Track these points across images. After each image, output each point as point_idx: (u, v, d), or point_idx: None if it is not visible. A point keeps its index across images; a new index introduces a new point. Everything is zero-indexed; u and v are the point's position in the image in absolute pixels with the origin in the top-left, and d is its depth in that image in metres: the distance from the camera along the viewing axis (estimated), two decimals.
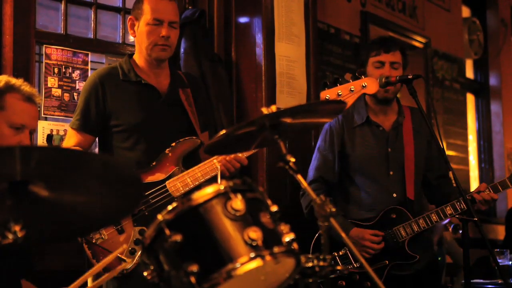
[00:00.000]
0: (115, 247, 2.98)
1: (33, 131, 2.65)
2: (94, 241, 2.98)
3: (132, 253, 2.98)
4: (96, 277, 3.22)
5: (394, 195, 3.64)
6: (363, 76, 3.22)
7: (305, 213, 3.68)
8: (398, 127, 3.72)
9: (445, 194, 3.74)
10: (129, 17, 3.27)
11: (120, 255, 2.96)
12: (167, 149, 3.12)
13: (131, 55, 3.30)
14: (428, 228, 3.57)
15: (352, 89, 3.16)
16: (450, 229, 5.18)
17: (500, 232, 7.03)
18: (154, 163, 3.10)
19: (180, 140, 3.14)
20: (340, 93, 3.15)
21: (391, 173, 3.66)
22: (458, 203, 3.52)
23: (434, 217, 3.54)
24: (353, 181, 3.69)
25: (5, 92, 2.55)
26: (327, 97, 3.15)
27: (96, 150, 3.41)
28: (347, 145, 3.70)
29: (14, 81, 2.60)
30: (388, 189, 3.64)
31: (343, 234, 2.06)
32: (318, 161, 3.73)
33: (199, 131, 3.24)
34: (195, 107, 3.29)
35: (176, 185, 3.08)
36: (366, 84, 3.18)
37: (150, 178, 3.07)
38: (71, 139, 3.20)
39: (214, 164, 3.07)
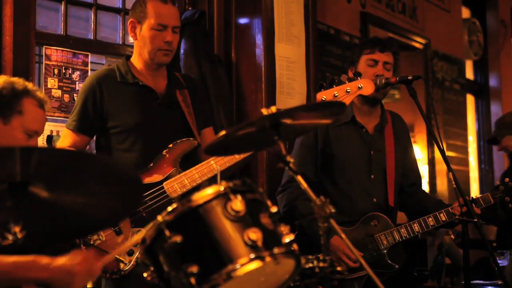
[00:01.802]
0: (112, 248, 2.98)
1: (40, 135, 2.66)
2: (92, 242, 2.98)
3: (130, 254, 2.98)
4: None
5: (375, 200, 3.56)
6: (359, 78, 3.18)
7: (283, 212, 3.55)
8: (381, 131, 3.66)
9: (419, 202, 3.71)
10: (130, 19, 3.24)
11: (118, 256, 2.96)
12: (164, 150, 3.12)
13: (128, 57, 3.30)
14: (409, 238, 3.52)
15: (348, 90, 3.12)
16: (452, 235, 5.16)
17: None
18: (151, 164, 3.10)
19: (177, 141, 3.14)
20: (336, 95, 3.12)
21: (372, 176, 3.59)
22: (441, 215, 3.48)
23: (416, 227, 3.48)
24: (333, 181, 3.58)
25: (22, 95, 2.53)
26: (323, 99, 3.13)
27: (94, 151, 3.41)
28: (330, 143, 3.60)
29: (30, 85, 2.59)
30: (369, 193, 3.57)
31: (343, 235, 2.06)
32: (299, 158, 3.57)
33: (196, 132, 3.24)
34: (193, 108, 3.29)
35: (174, 186, 3.07)
36: (362, 85, 3.14)
37: (148, 179, 3.07)
38: (66, 139, 3.20)
39: (212, 165, 3.07)
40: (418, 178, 3.86)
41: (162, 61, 3.22)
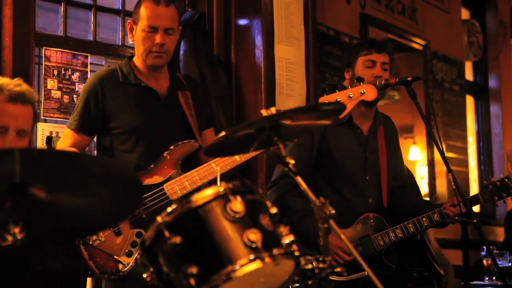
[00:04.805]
0: (112, 249, 2.97)
1: (23, 132, 2.57)
2: (91, 242, 2.97)
3: (129, 255, 2.98)
4: (95, 278, 3.23)
5: (370, 201, 3.58)
6: (361, 83, 3.18)
7: None
8: (374, 132, 3.67)
9: (407, 202, 3.73)
10: (129, 20, 3.26)
11: (117, 257, 2.96)
12: (165, 152, 3.12)
13: (130, 57, 3.29)
14: (404, 239, 3.53)
15: (350, 95, 3.11)
16: None
17: (499, 234, 7.03)
18: (152, 166, 3.10)
19: (179, 143, 3.14)
20: (338, 100, 3.12)
21: (367, 177, 3.60)
22: (434, 215, 3.50)
23: (411, 228, 3.50)
24: (328, 181, 3.58)
25: None
26: None
27: (95, 152, 3.41)
28: (327, 143, 3.58)
29: (2, 81, 2.56)
30: (364, 194, 3.58)
31: (342, 236, 2.06)
32: (296, 157, 3.36)
33: (197, 133, 3.24)
34: (194, 110, 3.29)
35: (174, 188, 3.07)
36: (364, 91, 3.14)
37: (148, 181, 3.06)
38: (67, 139, 3.19)
39: (212, 167, 3.07)
40: (406, 179, 3.89)
41: (155, 63, 3.20)
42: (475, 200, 3.58)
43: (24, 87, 2.59)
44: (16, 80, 2.60)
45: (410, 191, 3.91)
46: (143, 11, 3.17)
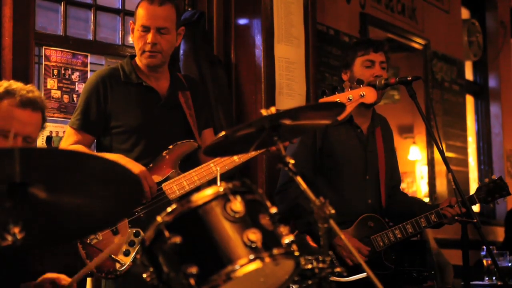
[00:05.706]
0: (109, 248, 2.97)
1: (30, 138, 2.55)
2: (88, 241, 2.97)
3: (126, 254, 2.98)
4: (95, 278, 3.23)
5: (369, 201, 3.59)
6: (361, 85, 3.17)
7: (285, 210, 3.50)
8: (373, 132, 3.69)
9: (403, 203, 3.74)
10: (130, 21, 3.27)
11: (113, 256, 2.95)
12: (164, 152, 3.11)
13: (132, 57, 3.29)
14: (403, 239, 3.53)
15: (350, 98, 3.11)
16: None
17: (499, 234, 7.03)
18: (151, 165, 3.10)
19: (178, 142, 3.14)
20: (338, 102, 3.13)
21: (367, 177, 3.62)
22: (432, 216, 3.51)
23: (409, 228, 3.51)
24: (328, 181, 3.59)
25: (2, 98, 2.51)
26: None
27: (94, 151, 3.40)
28: (329, 142, 3.60)
29: (15, 86, 2.55)
30: (364, 194, 3.59)
31: (342, 236, 2.06)
32: (298, 156, 3.48)
33: (197, 134, 3.24)
34: (194, 110, 3.29)
35: (173, 187, 3.07)
36: (364, 93, 3.14)
37: None
38: (70, 138, 3.19)
39: (211, 168, 3.06)
40: (399, 180, 3.92)
41: (149, 63, 3.19)
42: (470, 201, 3.58)
43: (36, 93, 2.59)
44: (29, 86, 2.59)
45: (402, 192, 3.92)
46: (139, 11, 3.18)
